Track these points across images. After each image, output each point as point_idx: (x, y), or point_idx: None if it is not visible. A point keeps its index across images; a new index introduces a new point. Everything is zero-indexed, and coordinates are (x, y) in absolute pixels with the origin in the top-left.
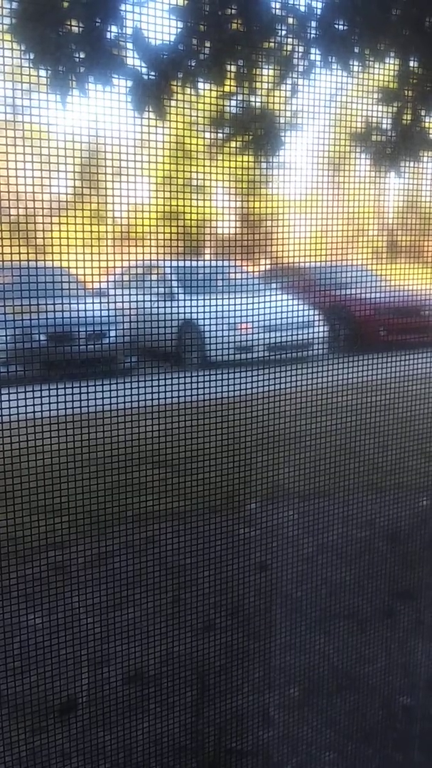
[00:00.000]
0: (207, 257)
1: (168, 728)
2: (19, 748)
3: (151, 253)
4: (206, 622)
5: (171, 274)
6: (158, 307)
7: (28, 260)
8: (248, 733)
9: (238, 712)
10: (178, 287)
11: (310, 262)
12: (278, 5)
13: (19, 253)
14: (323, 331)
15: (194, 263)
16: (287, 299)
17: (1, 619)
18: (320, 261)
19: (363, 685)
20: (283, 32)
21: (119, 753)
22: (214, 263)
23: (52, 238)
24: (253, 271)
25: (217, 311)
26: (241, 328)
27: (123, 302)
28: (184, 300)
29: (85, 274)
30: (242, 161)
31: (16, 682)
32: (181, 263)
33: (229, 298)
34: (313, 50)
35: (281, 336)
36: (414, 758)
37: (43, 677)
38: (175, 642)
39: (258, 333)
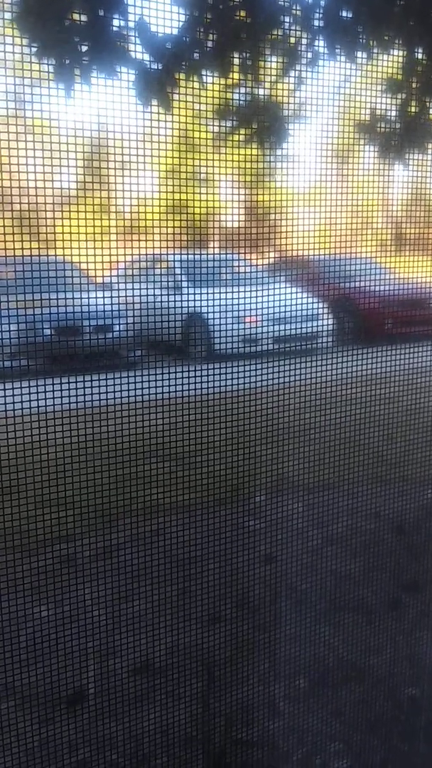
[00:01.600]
0: (212, 250)
1: (175, 719)
2: (26, 739)
3: (155, 246)
4: (213, 613)
5: (176, 266)
6: (164, 300)
7: (31, 253)
8: (255, 723)
9: (245, 703)
10: (183, 280)
11: (315, 254)
12: None
13: (22, 245)
14: (329, 324)
15: (200, 256)
16: (293, 292)
17: (9, 611)
18: (325, 253)
19: (369, 677)
20: (288, 23)
21: (127, 743)
22: (219, 256)
23: (55, 230)
24: (259, 264)
25: (222, 304)
26: (246, 321)
27: (128, 295)
28: (190, 292)
29: (89, 267)
30: (247, 153)
31: (23, 674)
32: (186, 256)
33: (234, 291)
34: (317, 41)
35: (287, 328)
36: (420, 749)
37: (51, 669)
38: (181, 634)
39: (264, 326)
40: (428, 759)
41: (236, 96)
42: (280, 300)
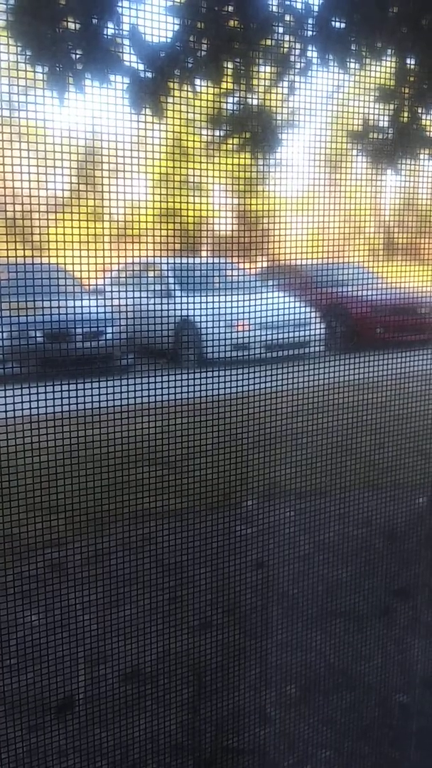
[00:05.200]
0: (204, 255)
1: (165, 726)
2: (15, 746)
3: (147, 252)
4: (203, 620)
5: (168, 272)
6: (155, 306)
7: (24, 258)
8: (246, 731)
9: (236, 710)
10: (175, 285)
11: (307, 260)
12: (276, 3)
13: (15, 251)
14: (320, 330)
15: (191, 261)
16: (284, 298)
17: None
18: (317, 259)
19: (360, 683)
20: (281, 30)
21: (116, 751)
22: (211, 261)
23: (48, 235)
24: (251, 270)
25: (214, 310)
26: (238, 327)
27: (120, 300)
28: (182, 298)
29: (81, 272)
30: (239, 159)
31: (12, 680)
32: (178, 261)
33: (226, 297)
34: (310, 48)
35: (278, 335)
36: (410, 756)
37: (40, 675)
38: (172, 640)
39: (255, 331)
40: (419, 766)
41: (229, 103)
42: (271, 306)
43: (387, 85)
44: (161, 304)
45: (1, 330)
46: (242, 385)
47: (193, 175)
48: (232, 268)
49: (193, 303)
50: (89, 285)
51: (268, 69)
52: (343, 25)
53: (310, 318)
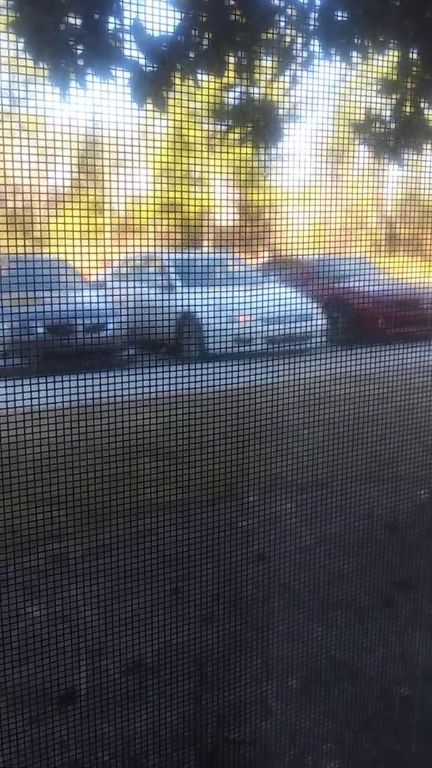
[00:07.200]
0: (206, 248)
1: (167, 718)
2: (17, 739)
3: (149, 245)
4: (205, 612)
5: (170, 265)
6: (157, 299)
7: (25, 251)
8: (247, 723)
9: (238, 703)
10: (177, 279)
11: (309, 253)
12: None
13: (16, 244)
14: (322, 323)
15: (193, 255)
16: (287, 291)
17: (1, 610)
18: (320, 252)
19: (362, 675)
20: (284, 23)
21: (118, 743)
22: (213, 255)
23: (49, 229)
24: (253, 263)
25: (216, 303)
26: (240, 320)
27: (122, 294)
28: (183, 291)
29: (82, 265)
30: (242, 152)
31: (14, 673)
32: (180, 255)
33: (228, 290)
34: (313, 41)
35: (280, 328)
36: (412, 748)
37: (41, 668)
38: (174, 632)
39: (257, 325)
40: (420, 758)
41: (231, 96)
42: (273, 299)
43: (390, 77)
44: (163, 296)
45: (2, 322)
46: (244, 378)
47: (196, 168)
48: (234, 261)
49: (195, 296)
50: (92, 278)
51: (270, 61)
52: (345, 17)
53: (313, 311)
